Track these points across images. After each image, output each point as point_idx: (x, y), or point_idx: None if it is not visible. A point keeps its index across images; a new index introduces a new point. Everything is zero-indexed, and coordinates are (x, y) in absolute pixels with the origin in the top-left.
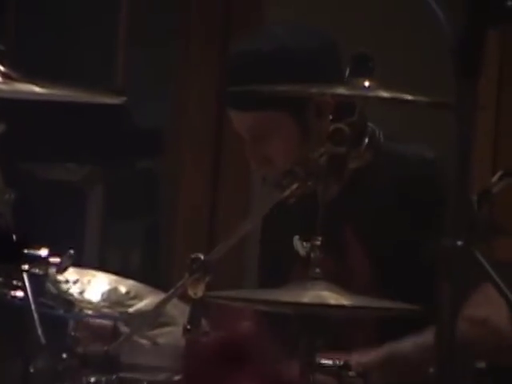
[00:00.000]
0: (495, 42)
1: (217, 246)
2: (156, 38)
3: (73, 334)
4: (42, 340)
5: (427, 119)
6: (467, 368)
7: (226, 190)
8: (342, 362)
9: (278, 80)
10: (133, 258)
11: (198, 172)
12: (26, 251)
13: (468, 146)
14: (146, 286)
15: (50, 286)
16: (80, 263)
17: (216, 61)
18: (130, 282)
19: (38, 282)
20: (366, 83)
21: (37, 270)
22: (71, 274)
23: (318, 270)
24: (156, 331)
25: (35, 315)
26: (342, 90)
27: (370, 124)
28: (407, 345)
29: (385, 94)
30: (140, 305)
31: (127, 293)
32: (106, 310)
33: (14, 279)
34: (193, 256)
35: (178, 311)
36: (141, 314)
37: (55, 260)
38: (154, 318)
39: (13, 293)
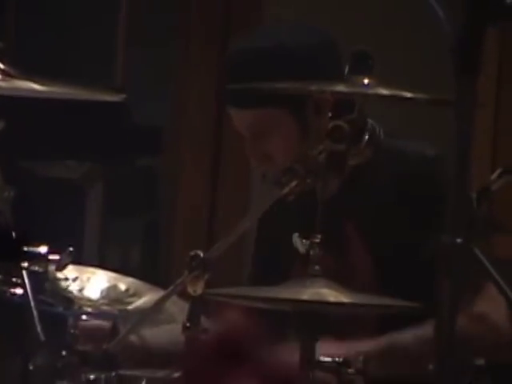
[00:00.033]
0: (494, 39)
1: (216, 244)
2: (156, 37)
3: (72, 331)
4: (42, 337)
5: (427, 117)
6: (466, 365)
7: (225, 188)
8: (341, 359)
9: (277, 77)
10: (132, 256)
11: (197, 170)
12: (25, 249)
13: (467, 143)
14: (145, 284)
15: (49, 284)
16: (79, 261)
17: (216, 60)
18: (130, 280)
19: (38, 279)
20: (366, 80)
21: (36, 268)
22: (71, 271)
23: (317, 268)
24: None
25: (35, 312)
26: (341, 88)
27: (370, 121)
28: (407, 336)
29: (384, 92)
30: (139, 302)
31: (126, 290)
32: (105, 308)
33: (14, 276)
34: (192, 253)
35: (178, 308)
36: (140, 311)
37: (55, 257)
38: (153, 315)
39: (12, 290)
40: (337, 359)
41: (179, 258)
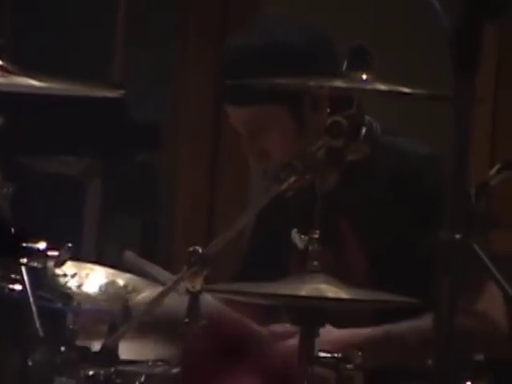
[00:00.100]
0: (493, 35)
1: (215, 240)
2: (155, 37)
3: (71, 327)
4: (41, 333)
5: (425, 113)
6: (465, 361)
7: (224, 185)
8: (340, 355)
9: (272, 74)
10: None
11: (196, 167)
12: (24, 244)
13: (466, 139)
14: (143, 280)
15: (47, 280)
16: (78, 257)
17: (214, 59)
18: (128, 276)
19: (37, 275)
20: (364, 76)
21: (35, 264)
22: (69, 267)
23: (316, 263)
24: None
25: (33, 308)
26: (339, 83)
27: (367, 117)
28: (404, 326)
29: (382, 87)
30: (138, 298)
31: (125, 286)
32: (103, 304)
33: (13, 272)
34: (191, 249)
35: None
36: (139, 307)
37: (53, 253)
38: (151, 311)
39: (11, 286)
40: (336, 355)
41: (178, 253)
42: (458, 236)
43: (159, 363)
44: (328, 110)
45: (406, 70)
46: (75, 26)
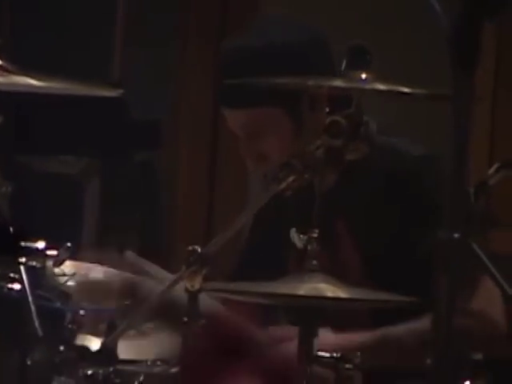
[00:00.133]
0: (492, 33)
1: (214, 239)
2: (154, 37)
3: (70, 326)
4: (39, 332)
5: (424, 112)
6: (464, 360)
7: (223, 183)
8: (339, 354)
9: (270, 75)
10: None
11: (195, 166)
12: (23, 244)
13: (465, 138)
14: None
15: (46, 279)
16: (77, 256)
17: (213, 59)
18: (127, 275)
19: (35, 274)
20: (363, 75)
21: (34, 263)
22: (68, 266)
23: (314, 263)
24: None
25: (32, 308)
26: (338, 83)
27: (364, 117)
28: (401, 328)
29: (381, 87)
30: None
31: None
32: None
33: (12, 272)
34: (190, 248)
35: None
36: (138, 306)
37: (52, 253)
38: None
39: (10, 285)
40: (335, 354)
41: (177, 253)
42: (456, 235)
43: (158, 363)
44: (327, 110)
45: (405, 70)
46: (74, 25)
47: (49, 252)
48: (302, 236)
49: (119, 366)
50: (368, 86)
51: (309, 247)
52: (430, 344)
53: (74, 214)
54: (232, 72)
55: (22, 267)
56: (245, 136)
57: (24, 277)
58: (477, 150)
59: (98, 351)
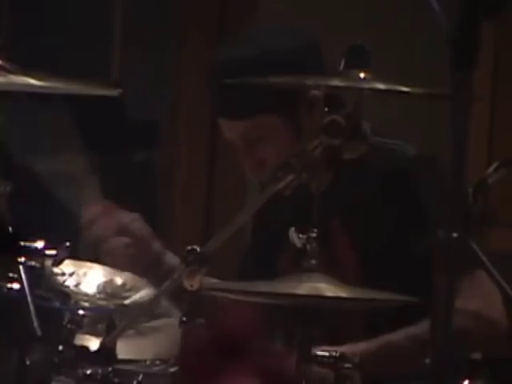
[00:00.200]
0: (490, 32)
1: (212, 238)
2: (153, 36)
3: (69, 326)
4: (38, 332)
5: (423, 111)
6: (463, 359)
7: (222, 183)
8: (338, 354)
9: (265, 84)
10: None
11: (194, 166)
12: (22, 243)
13: (463, 137)
14: (141, 278)
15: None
16: (76, 255)
17: (212, 59)
18: (126, 274)
19: (34, 274)
20: (362, 75)
21: (33, 263)
22: (67, 266)
23: (314, 262)
24: (151, 323)
25: (31, 307)
26: (337, 82)
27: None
28: (401, 336)
29: (380, 86)
30: (136, 297)
31: (123, 285)
32: (101, 302)
33: (11, 271)
34: (188, 248)
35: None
36: (137, 305)
37: (51, 252)
38: (149, 310)
39: (9, 285)
40: (334, 354)
41: (176, 252)
42: (455, 234)
43: (157, 362)
44: (326, 109)
45: (404, 69)
46: (74, 25)
47: (48, 251)
48: (301, 236)
49: (118, 366)
50: (366, 85)
51: (308, 247)
52: (429, 344)
53: (73, 212)
54: (227, 81)
55: (21, 267)
56: (243, 146)
57: (23, 276)
58: (475, 149)
59: (97, 351)
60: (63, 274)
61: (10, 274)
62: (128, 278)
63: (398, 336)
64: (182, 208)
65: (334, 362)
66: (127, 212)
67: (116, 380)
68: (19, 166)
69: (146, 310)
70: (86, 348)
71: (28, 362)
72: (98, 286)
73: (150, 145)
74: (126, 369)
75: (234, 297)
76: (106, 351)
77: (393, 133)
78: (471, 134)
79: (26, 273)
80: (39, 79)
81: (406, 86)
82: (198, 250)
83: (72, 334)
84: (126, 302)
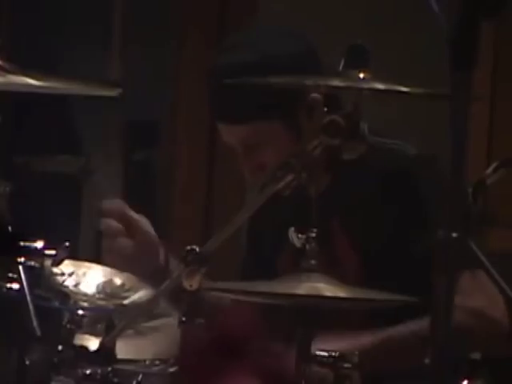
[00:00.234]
0: (490, 32)
1: (212, 238)
2: (153, 36)
3: (68, 326)
4: (38, 332)
5: (423, 111)
6: (462, 359)
7: (221, 183)
8: (337, 354)
9: (264, 89)
10: None
11: (194, 166)
12: (21, 243)
13: (463, 137)
14: (144, 282)
15: (45, 278)
16: (75, 255)
17: (212, 59)
18: (125, 274)
19: (34, 274)
20: (361, 75)
21: (32, 263)
22: (67, 266)
23: (313, 262)
24: (151, 323)
25: (31, 307)
26: (336, 82)
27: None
28: (402, 331)
29: (380, 86)
30: (135, 297)
31: (122, 285)
32: (101, 302)
33: (10, 271)
34: (188, 248)
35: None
36: (136, 306)
37: (51, 252)
38: (149, 309)
39: (8, 285)
40: (333, 354)
41: (175, 252)
42: (455, 234)
43: (156, 362)
44: (325, 109)
45: (404, 69)
46: (73, 25)
47: (47, 251)
48: (300, 235)
49: (117, 366)
50: (366, 85)
51: (307, 247)
52: (429, 343)
53: (72, 213)
54: (226, 87)
55: (20, 267)
56: (243, 150)
57: (22, 276)
58: (475, 149)
59: (97, 351)
60: (62, 274)
61: (10, 274)
62: (127, 278)
63: (398, 331)
64: (182, 208)
65: (333, 362)
66: (137, 214)
67: (115, 380)
68: (19, 166)
69: (145, 310)
70: (86, 348)
71: (27, 362)
72: (98, 286)
73: (149, 145)
74: (126, 369)
75: (234, 297)
76: (106, 351)
77: (392, 133)
78: (471, 134)
79: (25, 273)
80: (38, 79)
81: (406, 85)
82: (198, 250)
83: (71, 334)
84: (126, 302)
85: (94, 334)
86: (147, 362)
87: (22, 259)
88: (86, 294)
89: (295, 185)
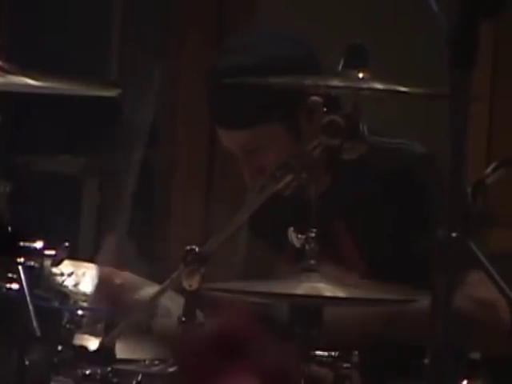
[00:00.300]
0: (489, 32)
1: (211, 238)
2: (152, 36)
3: (68, 326)
4: (38, 332)
5: (422, 111)
6: (462, 359)
7: (221, 183)
8: (337, 353)
9: (263, 94)
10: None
11: (193, 166)
12: (21, 244)
13: (462, 137)
14: (140, 278)
15: (44, 279)
16: (75, 255)
17: (211, 59)
18: (125, 274)
19: (33, 274)
20: (360, 75)
21: (32, 263)
22: (66, 266)
23: (313, 262)
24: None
25: (30, 307)
26: (336, 82)
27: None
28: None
29: (379, 86)
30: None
31: (122, 285)
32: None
33: (10, 272)
34: (187, 248)
35: (173, 303)
36: (136, 305)
37: (50, 252)
38: (148, 309)
39: (8, 285)
40: (333, 353)
41: (175, 252)
42: (454, 234)
43: (156, 362)
44: (325, 109)
45: (403, 69)
46: (72, 25)
47: (47, 252)
48: (299, 236)
49: (117, 366)
50: (365, 85)
51: (307, 247)
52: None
53: (72, 213)
54: (226, 91)
55: (20, 267)
56: (244, 155)
57: (22, 277)
58: (474, 149)
59: (96, 351)
60: (62, 274)
61: (9, 274)
62: (127, 278)
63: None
64: (182, 208)
65: (332, 362)
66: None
67: (115, 380)
68: (19, 166)
69: (145, 310)
70: (85, 348)
71: (27, 362)
72: None
73: (149, 145)
74: (125, 369)
75: (233, 297)
76: (105, 351)
77: (392, 133)
78: (470, 134)
79: (25, 273)
80: (38, 79)
81: (405, 85)
82: (197, 250)
83: (71, 334)
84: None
85: (94, 334)
86: (147, 362)
87: (22, 259)
88: (85, 294)
89: (295, 185)
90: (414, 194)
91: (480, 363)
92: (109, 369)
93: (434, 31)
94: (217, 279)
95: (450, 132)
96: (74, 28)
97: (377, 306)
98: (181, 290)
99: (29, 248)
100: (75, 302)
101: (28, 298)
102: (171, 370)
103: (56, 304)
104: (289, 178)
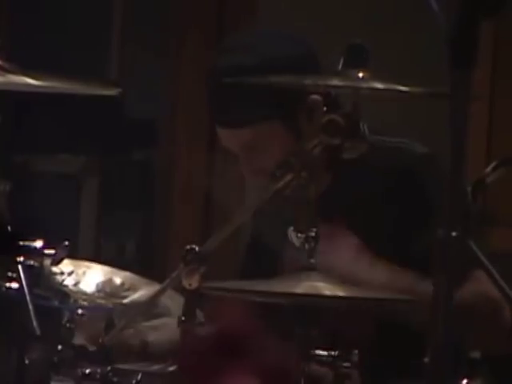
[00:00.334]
0: (489, 31)
1: (211, 237)
2: (152, 36)
3: (68, 325)
4: (37, 331)
5: (422, 111)
6: (461, 358)
7: (221, 182)
8: (337, 353)
9: (263, 92)
10: (128, 250)
11: (193, 165)
12: (21, 243)
13: (462, 136)
14: (140, 278)
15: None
16: (75, 255)
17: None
18: (125, 274)
19: (33, 273)
20: (360, 74)
21: (32, 262)
22: (66, 265)
23: (312, 261)
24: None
25: (30, 307)
26: (336, 81)
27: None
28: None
29: (379, 85)
30: (135, 296)
31: (122, 284)
32: (100, 301)
33: (9, 271)
34: (187, 247)
35: (173, 302)
36: (135, 305)
37: (50, 251)
38: (148, 309)
39: (8, 284)
40: (332, 353)
41: (175, 251)
42: (454, 233)
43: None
44: (324, 109)
45: (403, 68)
46: (73, 25)
47: (47, 251)
48: (299, 235)
49: (117, 365)
50: (365, 85)
51: (306, 246)
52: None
53: (72, 212)
54: (226, 90)
55: (19, 266)
56: (244, 154)
57: (22, 276)
58: (474, 148)
59: (96, 350)
60: (62, 273)
61: (9, 274)
62: (127, 278)
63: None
64: (182, 208)
65: (332, 361)
66: None
67: (115, 379)
68: (19, 166)
69: (145, 309)
70: (85, 347)
71: (27, 361)
72: (97, 285)
73: (148, 144)
74: (125, 368)
75: (233, 296)
76: (105, 351)
77: (392, 132)
78: (470, 133)
79: (24, 272)
80: (38, 79)
81: (405, 85)
82: (197, 249)
83: (71, 334)
84: (125, 301)
85: (94, 333)
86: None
87: (22, 258)
88: (85, 293)
89: (295, 184)
90: (414, 193)
91: (480, 362)
92: (109, 368)
93: (433, 31)
94: (216, 279)
95: (450, 131)
96: (74, 28)
97: (376, 305)
98: (181, 290)
99: (29, 247)
100: (75, 301)
101: (28, 297)
102: (171, 369)
103: (56, 303)
104: (289, 177)
